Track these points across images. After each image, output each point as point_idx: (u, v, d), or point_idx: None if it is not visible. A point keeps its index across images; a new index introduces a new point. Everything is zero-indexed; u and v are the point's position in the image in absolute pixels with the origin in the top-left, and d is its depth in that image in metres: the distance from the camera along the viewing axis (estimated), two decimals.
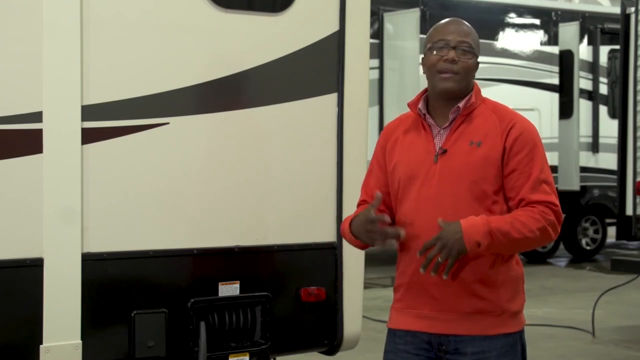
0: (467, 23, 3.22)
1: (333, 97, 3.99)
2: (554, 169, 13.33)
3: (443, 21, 3.20)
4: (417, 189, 3.11)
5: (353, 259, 4.03)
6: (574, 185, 13.59)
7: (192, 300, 3.63)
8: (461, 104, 3.11)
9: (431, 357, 3.12)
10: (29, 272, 3.39)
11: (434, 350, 3.11)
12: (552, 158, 13.30)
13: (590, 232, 14.52)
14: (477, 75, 3.19)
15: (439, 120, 3.15)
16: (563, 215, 3.07)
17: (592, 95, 13.98)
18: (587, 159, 13.84)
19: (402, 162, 3.17)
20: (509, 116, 3.11)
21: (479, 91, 3.19)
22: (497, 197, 3.06)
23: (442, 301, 3.06)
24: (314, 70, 3.98)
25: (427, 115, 3.16)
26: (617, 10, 10.93)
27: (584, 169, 13.76)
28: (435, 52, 3.10)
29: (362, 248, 3.16)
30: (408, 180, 3.13)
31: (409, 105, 3.23)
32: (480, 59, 3.18)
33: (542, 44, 13.28)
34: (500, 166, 3.05)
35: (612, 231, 13.37)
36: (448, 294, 3.05)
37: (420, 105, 3.18)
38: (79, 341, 3.46)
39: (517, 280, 3.16)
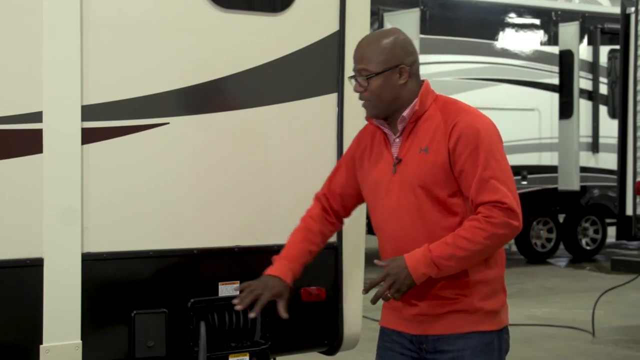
0: (373, 38, 3.16)
1: (333, 97, 3.98)
2: (554, 169, 13.34)
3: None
4: (381, 201, 3.18)
5: (353, 259, 4.03)
6: (574, 185, 13.60)
7: (192, 300, 3.63)
8: (405, 113, 3.12)
9: (414, 357, 3.20)
10: (29, 272, 3.39)
11: (416, 350, 3.18)
12: (552, 158, 13.31)
13: (590, 232, 14.52)
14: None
15: (394, 129, 3.18)
16: (520, 213, 3.00)
17: (592, 95, 13.98)
18: (587, 159, 13.84)
19: (369, 173, 3.24)
20: (452, 115, 3.08)
21: (427, 93, 3.15)
22: (455, 200, 3.07)
23: (419, 307, 3.14)
24: (314, 70, 3.98)
25: (383, 126, 3.19)
26: (617, 10, 10.92)
27: (584, 169, 13.76)
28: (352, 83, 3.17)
29: None
30: (374, 192, 3.21)
31: (366, 117, 3.30)
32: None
33: (542, 44, 13.27)
34: (449, 169, 3.04)
35: (612, 231, 13.37)
36: (423, 301, 3.12)
37: None
38: (79, 341, 3.46)
39: (494, 280, 3.15)
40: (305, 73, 3.93)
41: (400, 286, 3.00)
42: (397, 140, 3.15)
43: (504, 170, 3.02)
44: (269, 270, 3.27)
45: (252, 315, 3.21)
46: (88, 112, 3.48)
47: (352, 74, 3.16)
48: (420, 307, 3.13)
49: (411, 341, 3.18)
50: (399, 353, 3.21)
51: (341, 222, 3.46)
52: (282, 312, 3.22)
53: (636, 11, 8.94)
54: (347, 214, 3.44)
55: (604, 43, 14.03)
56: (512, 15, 13.02)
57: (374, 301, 3.09)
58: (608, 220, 14.42)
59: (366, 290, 3.14)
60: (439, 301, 3.10)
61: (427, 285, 3.06)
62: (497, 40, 12.66)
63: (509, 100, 12.73)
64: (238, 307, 3.24)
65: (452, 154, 3.02)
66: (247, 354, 3.76)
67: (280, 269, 3.26)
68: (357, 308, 4.12)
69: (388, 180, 3.14)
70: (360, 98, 3.15)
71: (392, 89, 3.11)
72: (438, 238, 3.01)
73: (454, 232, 2.99)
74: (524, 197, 13.19)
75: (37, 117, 3.39)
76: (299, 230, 3.38)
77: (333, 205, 3.39)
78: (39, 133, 3.39)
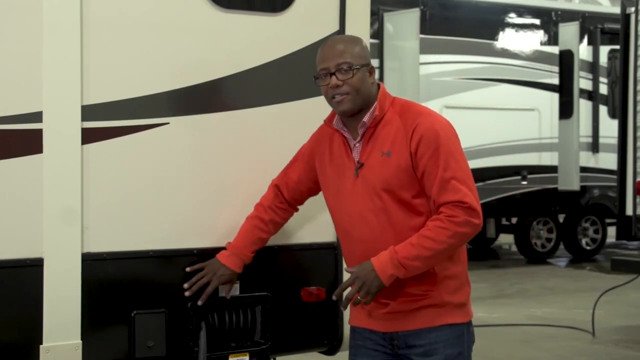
0: (343, 37, 3.27)
1: None
2: (554, 169, 13.35)
3: (322, 46, 3.26)
4: (344, 205, 3.24)
5: None
6: (574, 185, 13.61)
7: (192, 300, 3.63)
8: (366, 119, 3.17)
9: (387, 353, 3.26)
10: (29, 272, 3.39)
11: (388, 346, 3.24)
12: (552, 158, 13.31)
13: (590, 232, 14.53)
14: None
15: (354, 134, 3.22)
16: (480, 209, 3.06)
17: (592, 95, 14.00)
18: (587, 159, 13.85)
19: (331, 178, 3.29)
20: (411, 119, 3.13)
21: (385, 95, 3.21)
22: (420, 200, 3.12)
23: (389, 305, 3.20)
24: (314, 70, 3.97)
25: (343, 130, 3.24)
26: (617, 10, 10.93)
27: (584, 169, 13.77)
28: (321, 83, 3.20)
29: None
30: (337, 197, 3.27)
31: (325, 121, 3.32)
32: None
33: (542, 44, 13.28)
34: (412, 172, 3.10)
35: (612, 231, 13.39)
36: (392, 299, 3.18)
37: (335, 120, 3.27)
38: (79, 341, 3.46)
39: (459, 275, 3.23)
40: (305, 73, 3.92)
41: (369, 288, 3.05)
42: (358, 144, 3.20)
43: (463, 169, 3.09)
44: (222, 257, 3.54)
45: (187, 293, 3.55)
46: (88, 112, 3.48)
47: (323, 73, 3.19)
48: (390, 305, 3.19)
49: (383, 338, 3.25)
50: (372, 349, 3.28)
51: (296, 209, 3.63)
52: (226, 294, 3.58)
53: (636, 11, 8.94)
54: (300, 203, 3.61)
55: (604, 43, 14.05)
56: (512, 15, 13.02)
57: (344, 306, 3.14)
58: (608, 220, 14.44)
59: (337, 296, 3.18)
60: (408, 298, 3.16)
61: (395, 284, 3.11)
62: (497, 40, 12.66)
63: (509, 100, 12.74)
64: (187, 294, 3.54)
65: (414, 156, 3.08)
66: (247, 354, 3.75)
67: (231, 259, 3.53)
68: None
69: (351, 184, 3.20)
70: (334, 94, 3.16)
71: (367, 86, 3.18)
72: (406, 238, 3.07)
73: (418, 233, 3.05)
74: (524, 197, 13.23)
75: (37, 117, 3.39)
76: (251, 218, 3.57)
77: (286, 196, 3.55)
78: (39, 133, 3.39)
